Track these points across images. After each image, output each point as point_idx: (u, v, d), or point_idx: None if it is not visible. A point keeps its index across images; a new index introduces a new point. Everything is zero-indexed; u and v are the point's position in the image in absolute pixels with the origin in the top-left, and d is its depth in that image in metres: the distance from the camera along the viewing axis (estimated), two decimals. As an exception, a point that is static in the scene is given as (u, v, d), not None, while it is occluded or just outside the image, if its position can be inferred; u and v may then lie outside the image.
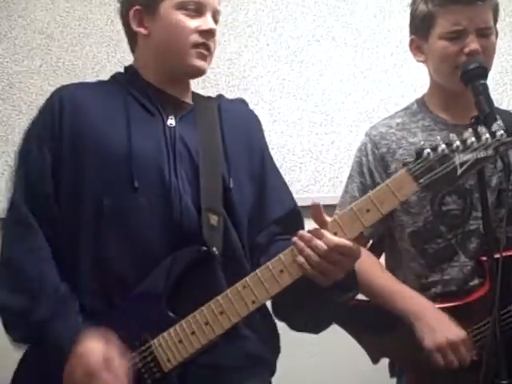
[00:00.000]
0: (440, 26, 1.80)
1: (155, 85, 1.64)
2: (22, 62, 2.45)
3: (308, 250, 1.42)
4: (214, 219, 1.53)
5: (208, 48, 1.62)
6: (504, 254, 1.55)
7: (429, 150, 1.41)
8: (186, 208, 1.52)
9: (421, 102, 1.94)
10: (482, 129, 1.42)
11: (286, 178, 2.68)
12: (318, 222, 1.44)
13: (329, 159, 2.67)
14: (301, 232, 1.44)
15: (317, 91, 2.69)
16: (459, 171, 1.41)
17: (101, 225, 1.51)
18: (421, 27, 1.84)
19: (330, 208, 1.99)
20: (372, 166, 1.89)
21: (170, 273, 1.48)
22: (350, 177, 1.94)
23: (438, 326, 1.72)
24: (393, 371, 1.93)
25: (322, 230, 1.42)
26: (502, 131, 1.42)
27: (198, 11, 1.60)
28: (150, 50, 1.64)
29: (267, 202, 1.66)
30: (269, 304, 1.62)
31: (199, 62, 1.61)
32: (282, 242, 1.61)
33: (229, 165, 1.61)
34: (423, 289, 1.85)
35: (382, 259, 1.99)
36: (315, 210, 1.44)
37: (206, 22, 1.60)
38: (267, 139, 1.68)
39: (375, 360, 1.92)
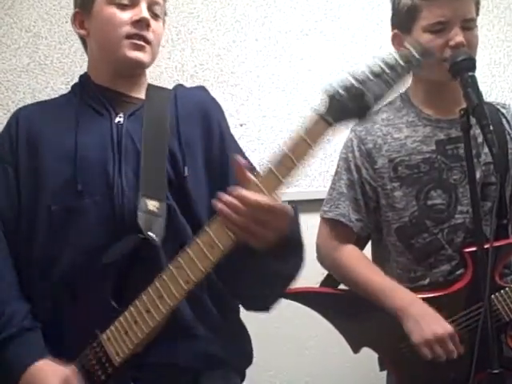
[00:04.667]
0: (424, 18, 1.80)
1: (104, 85, 1.64)
2: (10, 61, 2.43)
3: (233, 214, 1.32)
4: (153, 205, 1.49)
5: (145, 39, 1.59)
6: (487, 245, 1.57)
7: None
8: (128, 200, 1.50)
9: (404, 97, 1.94)
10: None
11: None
12: (240, 180, 1.36)
13: (319, 153, 2.66)
14: (220, 195, 1.34)
15: (306, 86, 2.68)
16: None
17: (50, 229, 1.52)
18: (404, 21, 1.84)
19: (321, 202, 2.00)
20: (359, 162, 1.89)
21: (110, 265, 1.45)
22: (337, 173, 1.94)
23: (424, 321, 1.72)
24: (383, 365, 1.93)
25: (241, 191, 1.33)
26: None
27: (131, 2, 1.59)
28: (92, 50, 1.66)
29: (230, 184, 1.57)
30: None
31: (134, 53, 1.59)
32: None
33: (183, 153, 1.58)
34: (411, 282, 1.86)
35: (365, 251, 1.99)
36: (238, 169, 1.36)
37: (137, 11, 1.59)
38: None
39: (356, 349, 1.93)
